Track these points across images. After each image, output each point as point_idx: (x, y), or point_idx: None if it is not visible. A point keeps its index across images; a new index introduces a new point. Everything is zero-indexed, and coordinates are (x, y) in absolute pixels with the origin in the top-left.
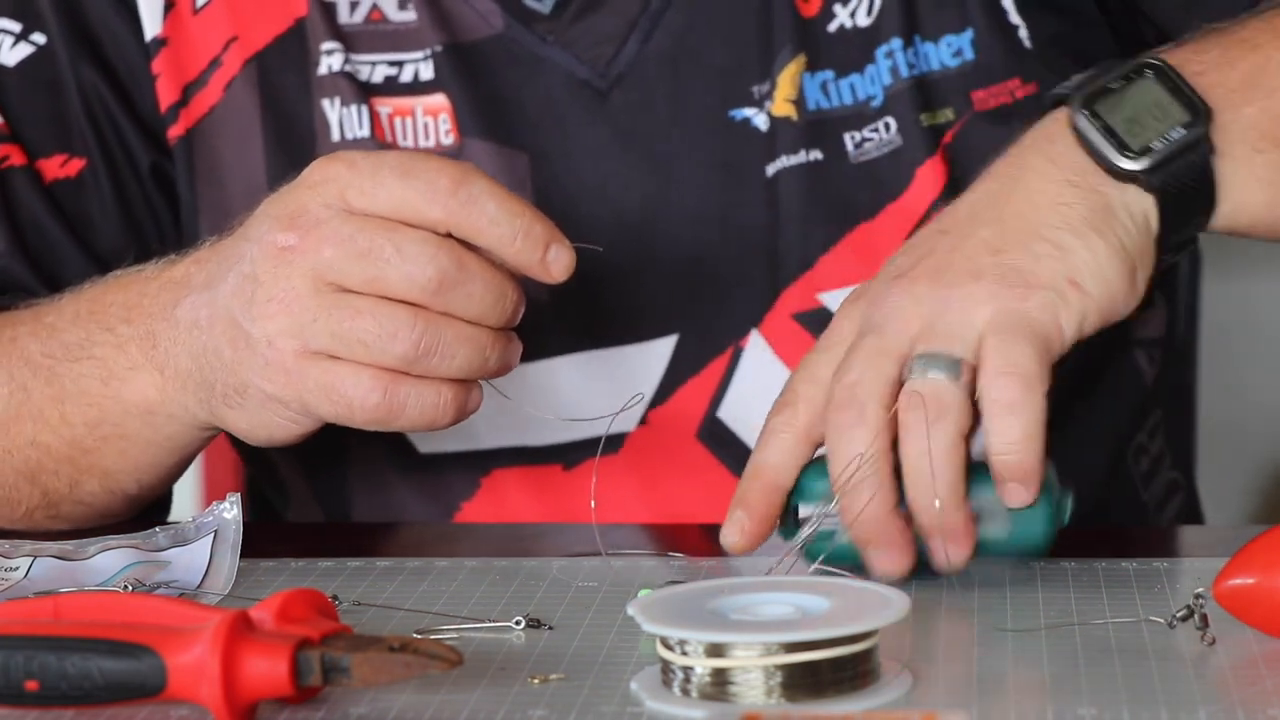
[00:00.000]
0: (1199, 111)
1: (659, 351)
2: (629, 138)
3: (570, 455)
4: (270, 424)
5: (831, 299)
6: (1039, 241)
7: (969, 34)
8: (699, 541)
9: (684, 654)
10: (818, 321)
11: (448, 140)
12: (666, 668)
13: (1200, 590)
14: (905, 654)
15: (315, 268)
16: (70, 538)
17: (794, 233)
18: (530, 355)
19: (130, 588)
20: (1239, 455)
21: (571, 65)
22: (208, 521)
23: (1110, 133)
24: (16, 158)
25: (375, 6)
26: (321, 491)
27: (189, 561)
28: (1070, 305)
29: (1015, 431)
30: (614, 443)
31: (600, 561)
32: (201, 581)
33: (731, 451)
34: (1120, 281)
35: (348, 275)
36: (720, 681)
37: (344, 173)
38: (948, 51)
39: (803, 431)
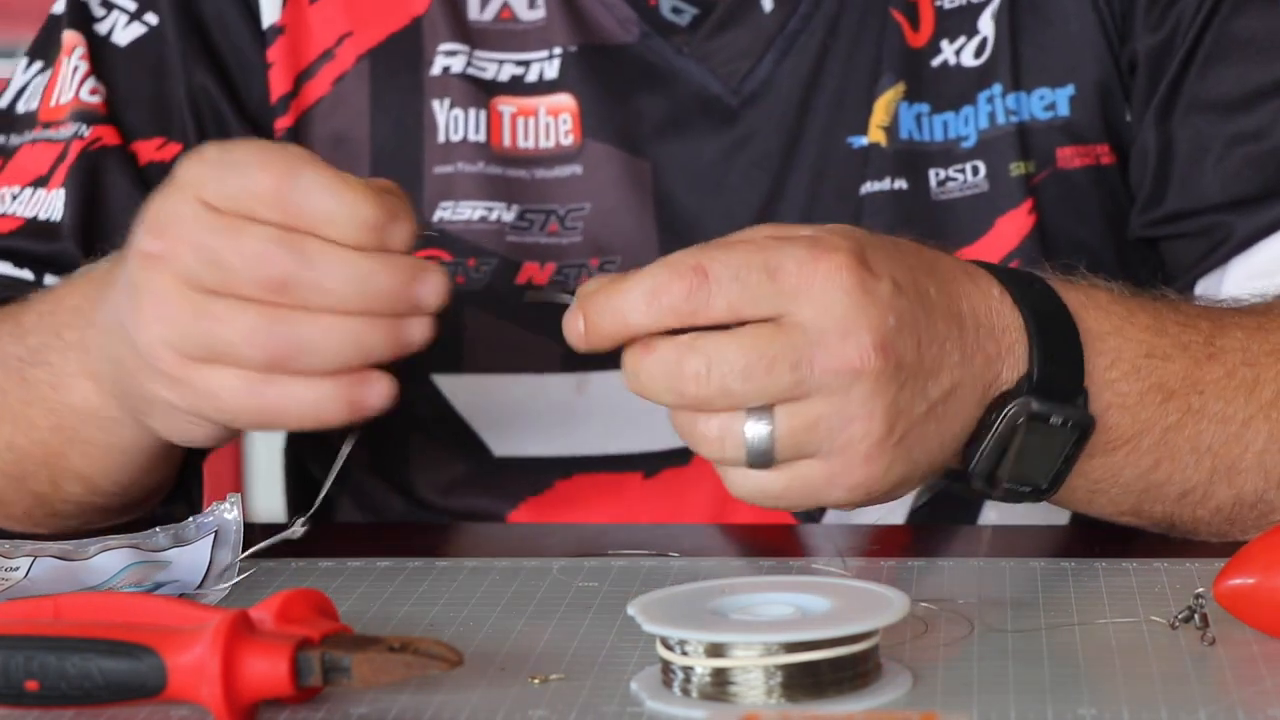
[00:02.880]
0: (1054, 486)
1: None
2: (752, 156)
3: (651, 464)
4: (183, 429)
5: None
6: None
7: (1069, 90)
8: (699, 541)
9: (684, 654)
10: None
11: (567, 141)
12: (666, 668)
13: (1200, 590)
14: (905, 654)
15: (178, 273)
16: (70, 538)
17: None
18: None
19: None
20: None
21: (705, 79)
22: (208, 521)
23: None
24: (109, 138)
25: (505, 5)
26: (381, 465)
27: (189, 561)
28: (846, 500)
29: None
30: (683, 455)
31: (600, 562)
32: (201, 581)
33: None
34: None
35: (205, 278)
36: (720, 681)
37: (200, 170)
38: (1040, 104)
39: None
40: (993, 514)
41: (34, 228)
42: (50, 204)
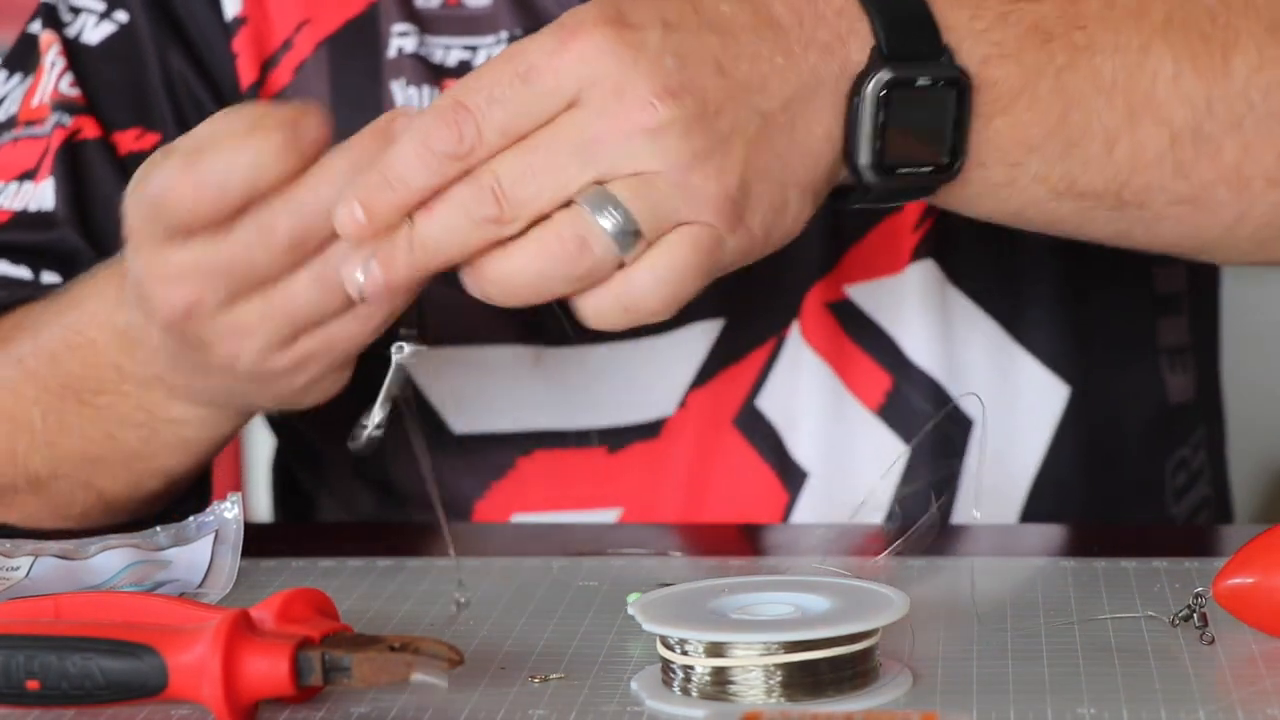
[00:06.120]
0: (956, 158)
1: (705, 333)
2: None
3: (615, 439)
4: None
5: (856, 291)
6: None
7: None
8: (699, 541)
9: (684, 653)
10: (846, 312)
11: None
12: (666, 667)
13: (1199, 590)
14: (905, 654)
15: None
16: (71, 537)
17: (821, 226)
18: (574, 340)
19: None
20: (1238, 455)
21: None
22: (208, 521)
23: (877, 132)
24: (90, 130)
25: None
26: (361, 466)
27: (189, 561)
28: (739, 249)
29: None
30: (653, 428)
31: (600, 561)
32: (202, 581)
33: (767, 442)
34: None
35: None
36: (720, 681)
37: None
38: None
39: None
40: (977, 514)
41: (25, 219)
42: (40, 195)
